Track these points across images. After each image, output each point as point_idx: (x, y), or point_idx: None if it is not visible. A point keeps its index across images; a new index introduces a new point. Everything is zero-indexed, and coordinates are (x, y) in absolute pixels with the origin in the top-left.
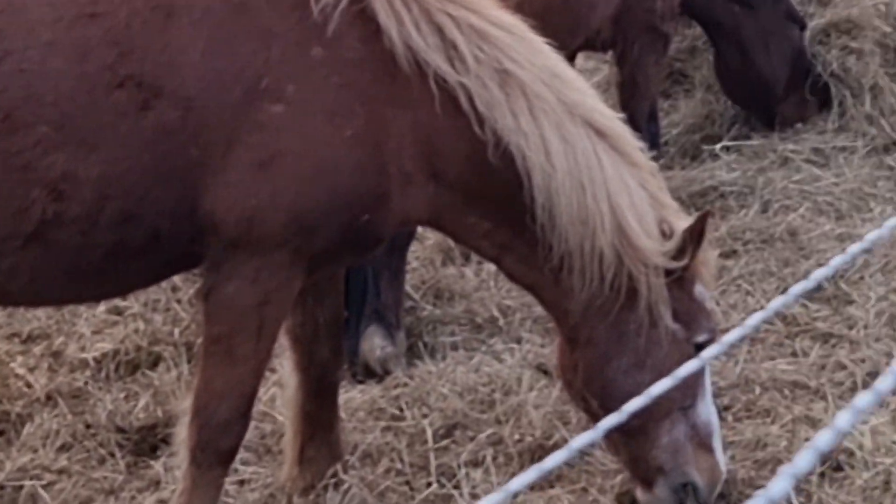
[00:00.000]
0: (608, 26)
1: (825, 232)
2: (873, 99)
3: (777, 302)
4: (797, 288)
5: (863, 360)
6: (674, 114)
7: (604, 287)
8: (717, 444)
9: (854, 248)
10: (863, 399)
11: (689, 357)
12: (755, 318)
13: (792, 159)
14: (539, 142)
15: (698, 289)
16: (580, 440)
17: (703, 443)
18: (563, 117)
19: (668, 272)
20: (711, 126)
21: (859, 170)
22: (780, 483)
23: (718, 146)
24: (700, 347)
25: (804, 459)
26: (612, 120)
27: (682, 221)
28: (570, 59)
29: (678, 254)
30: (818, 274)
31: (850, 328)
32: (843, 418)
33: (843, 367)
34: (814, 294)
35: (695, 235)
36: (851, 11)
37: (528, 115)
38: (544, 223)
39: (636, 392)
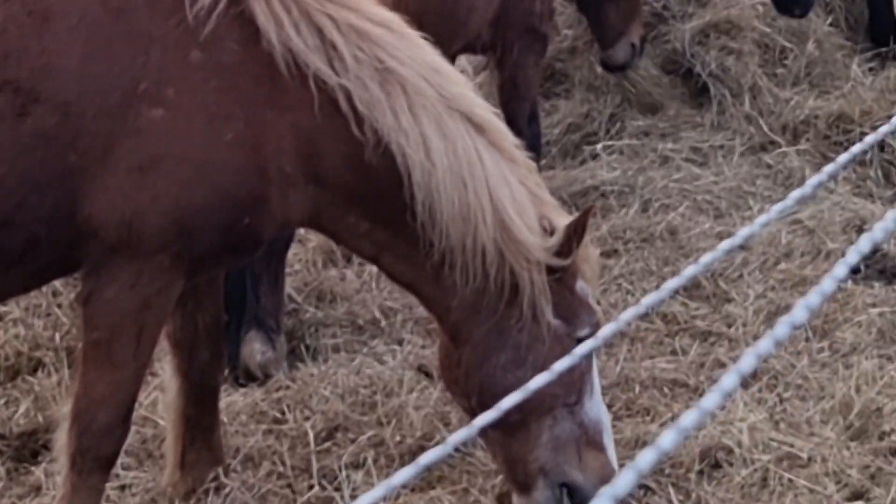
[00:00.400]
0: (487, 29)
1: (704, 230)
2: (752, 99)
3: (650, 298)
4: (671, 283)
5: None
6: (554, 114)
7: (486, 283)
8: (609, 442)
9: (725, 243)
10: (708, 399)
11: (568, 351)
12: (629, 313)
13: (672, 158)
14: (419, 139)
15: (580, 284)
16: (457, 436)
17: (592, 441)
18: (442, 113)
19: (550, 268)
20: (592, 125)
21: (738, 168)
22: (625, 478)
23: (599, 146)
24: (582, 342)
25: (645, 459)
26: (491, 115)
27: (563, 218)
28: (450, 62)
29: (561, 249)
30: (690, 271)
31: (729, 326)
32: (688, 418)
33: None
34: (693, 292)
35: (577, 231)
36: (731, 12)
37: (408, 112)
38: (425, 221)
39: (516, 388)
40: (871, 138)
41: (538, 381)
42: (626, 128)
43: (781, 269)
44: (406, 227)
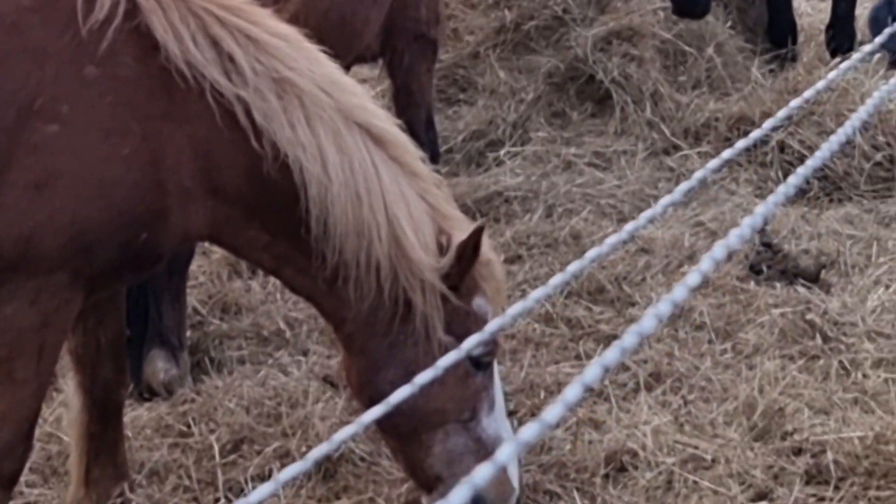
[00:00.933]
0: (375, 38)
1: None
2: (654, 105)
3: (538, 292)
4: (556, 280)
5: (645, 361)
6: (458, 120)
7: (381, 298)
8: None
9: (612, 238)
10: (551, 412)
11: (463, 370)
12: (515, 308)
13: (575, 163)
14: (316, 152)
15: (478, 302)
16: (342, 433)
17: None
18: (340, 126)
19: (448, 284)
20: (495, 132)
21: (640, 172)
22: (484, 470)
23: (503, 151)
24: (476, 361)
25: (505, 452)
26: (391, 128)
27: (463, 234)
28: (346, 71)
29: (451, 270)
30: (573, 267)
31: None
32: (551, 412)
33: (627, 369)
34: (597, 296)
35: (468, 250)
36: (632, 18)
37: (305, 125)
38: (318, 235)
39: (404, 402)
40: (756, 133)
41: (425, 375)
42: (529, 134)
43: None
44: (302, 240)
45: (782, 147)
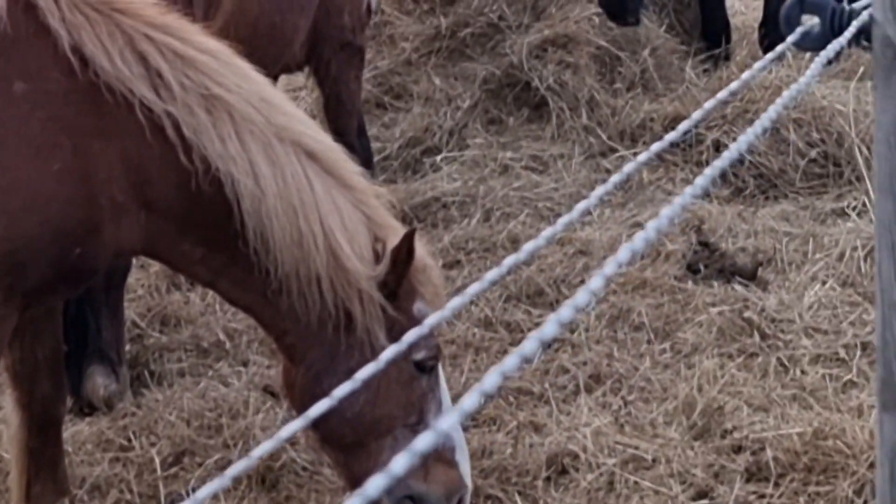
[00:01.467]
0: (301, 47)
1: (546, 237)
2: (590, 112)
3: (474, 287)
4: (491, 274)
5: (584, 363)
6: (394, 127)
7: (322, 308)
8: (462, 458)
9: (547, 232)
10: (397, 464)
11: (408, 375)
12: (454, 302)
13: (512, 167)
14: (247, 166)
15: (418, 307)
16: (287, 429)
17: (440, 457)
18: (271, 140)
19: (386, 292)
20: (432, 138)
21: (577, 174)
22: (375, 481)
23: (439, 157)
24: (419, 365)
25: (400, 463)
26: (324, 143)
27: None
28: (273, 81)
29: (387, 277)
30: (509, 261)
31: (572, 332)
32: (421, 442)
33: (566, 371)
34: (536, 299)
35: (401, 257)
36: (567, 25)
37: (235, 139)
38: (258, 247)
39: (349, 412)
40: (684, 125)
41: (366, 370)
42: (466, 141)
43: (622, 273)
44: (240, 253)
45: (717, 146)
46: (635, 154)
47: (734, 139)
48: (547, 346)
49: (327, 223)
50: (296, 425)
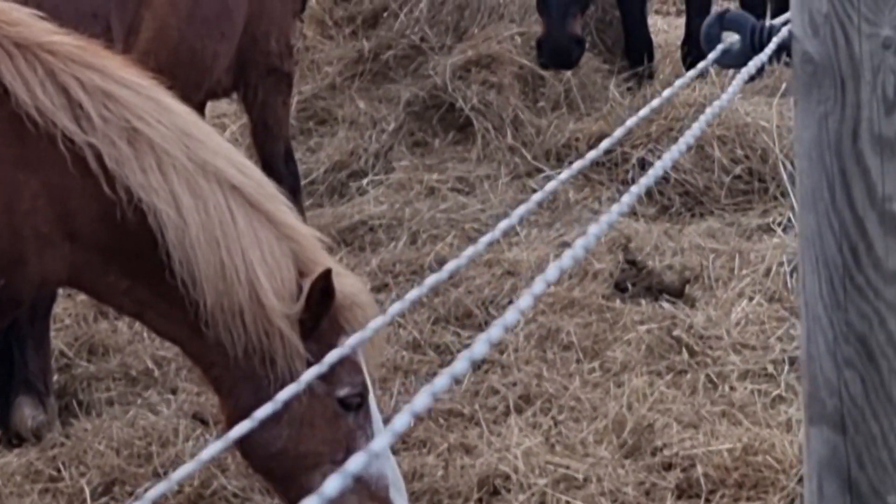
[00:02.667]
0: (226, 73)
1: (473, 259)
2: (514, 131)
3: (395, 307)
4: (413, 294)
5: (514, 384)
6: (319, 151)
7: (248, 342)
8: (398, 495)
9: (469, 251)
10: (329, 486)
11: (332, 411)
12: (377, 322)
13: (438, 189)
14: (170, 197)
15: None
16: (208, 451)
17: (374, 495)
18: (193, 173)
19: (305, 329)
20: (357, 162)
21: (504, 195)
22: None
23: (365, 180)
24: (343, 402)
25: (332, 485)
26: (249, 176)
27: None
28: (200, 109)
29: (304, 315)
30: (430, 280)
31: (501, 353)
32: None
33: (496, 392)
34: (465, 321)
35: (315, 294)
36: (490, 45)
37: (157, 171)
38: (185, 279)
39: (273, 447)
40: (605, 144)
41: (264, 409)
42: (392, 163)
43: (550, 293)
44: (166, 285)
45: (643, 164)
46: (560, 173)
47: (659, 157)
48: (476, 367)
49: (248, 256)
50: (216, 447)
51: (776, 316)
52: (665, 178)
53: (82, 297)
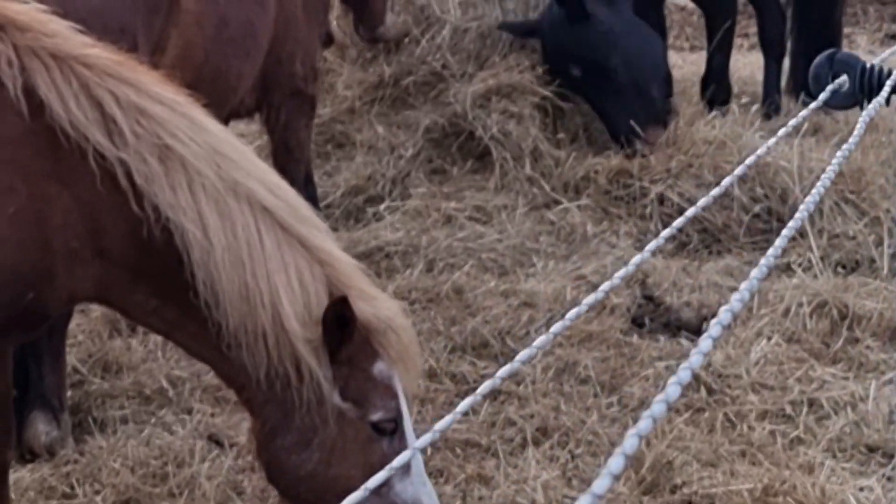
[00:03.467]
0: (250, 93)
1: (490, 288)
2: (533, 162)
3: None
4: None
5: (532, 416)
6: (336, 175)
7: (270, 365)
8: None
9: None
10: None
11: (365, 436)
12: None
13: (455, 217)
14: (197, 217)
15: (379, 367)
16: None
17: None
18: (223, 193)
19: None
20: (374, 187)
21: (521, 225)
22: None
23: (382, 206)
24: (376, 426)
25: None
26: (282, 198)
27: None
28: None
29: (326, 340)
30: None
31: (518, 384)
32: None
33: (513, 424)
34: (481, 351)
35: (329, 322)
36: (511, 75)
37: (186, 190)
38: (208, 300)
39: (302, 470)
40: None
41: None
42: (409, 190)
43: (568, 326)
44: (192, 306)
45: (661, 199)
46: (580, 206)
47: (679, 193)
48: (493, 398)
49: (273, 280)
50: None
51: (795, 357)
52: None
53: (96, 313)
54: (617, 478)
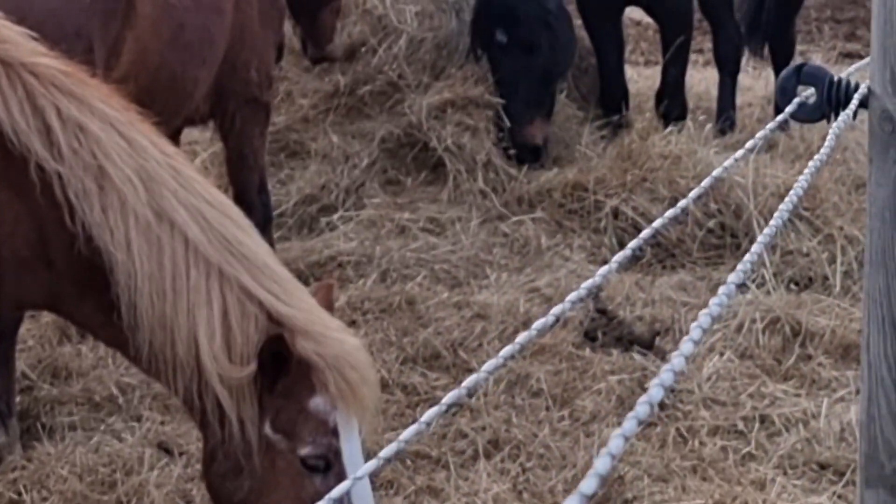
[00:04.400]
0: (204, 101)
1: (443, 300)
2: (486, 175)
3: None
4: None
5: (483, 428)
6: (290, 184)
7: (185, 395)
8: None
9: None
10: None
11: (295, 469)
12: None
13: (409, 228)
14: (123, 240)
15: (316, 401)
16: None
17: None
18: (152, 222)
19: (262, 387)
20: (328, 196)
21: (475, 237)
22: None
23: (336, 216)
24: (304, 462)
25: None
26: (222, 233)
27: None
28: (176, 135)
29: (261, 375)
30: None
31: (470, 396)
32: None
33: (465, 436)
34: (433, 362)
35: (265, 357)
36: (467, 87)
37: (118, 211)
38: (130, 323)
39: (234, 496)
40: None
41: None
42: (363, 200)
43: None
44: (117, 326)
45: (616, 213)
46: (534, 219)
47: (633, 207)
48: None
49: (194, 314)
50: None
51: (747, 373)
52: (637, 229)
53: (47, 318)
54: (589, 499)
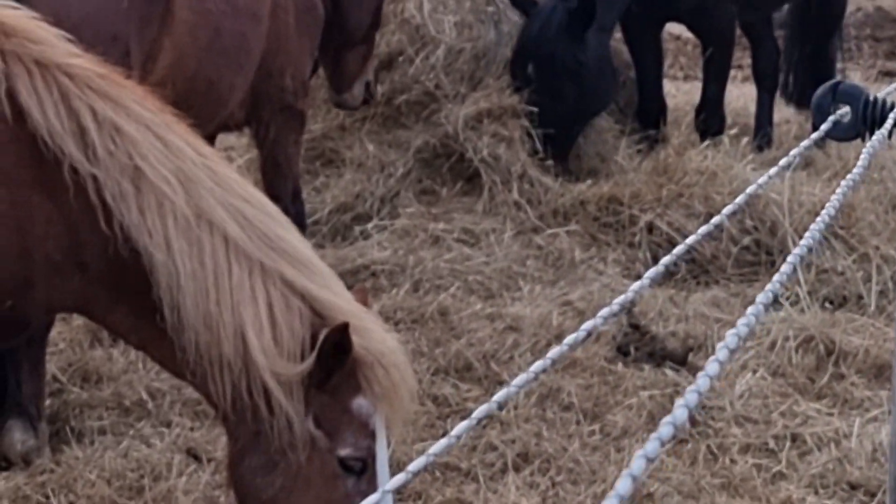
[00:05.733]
0: (239, 107)
1: (475, 311)
2: (521, 187)
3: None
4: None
5: (513, 441)
6: (325, 192)
7: (233, 394)
8: None
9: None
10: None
11: (331, 470)
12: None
13: (443, 238)
14: (163, 241)
15: (358, 402)
16: None
17: None
18: (191, 221)
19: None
20: (363, 205)
21: (509, 249)
22: None
23: (370, 224)
24: (343, 462)
25: None
26: (259, 230)
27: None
28: (211, 140)
29: (315, 370)
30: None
31: (501, 409)
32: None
33: (494, 448)
34: (464, 374)
35: (325, 351)
36: (503, 97)
37: (155, 213)
38: (174, 324)
39: (264, 492)
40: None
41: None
42: (397, 209)
43: (564, 352)
44: (161, 329)
45: (650, 228)
46: (568, 232)
47: (668, 223)
48: (475, 422)
49: (239, 311)
50: None
51: (779, 391)
52: (672, 244)
53: (78, 321)
54: None
